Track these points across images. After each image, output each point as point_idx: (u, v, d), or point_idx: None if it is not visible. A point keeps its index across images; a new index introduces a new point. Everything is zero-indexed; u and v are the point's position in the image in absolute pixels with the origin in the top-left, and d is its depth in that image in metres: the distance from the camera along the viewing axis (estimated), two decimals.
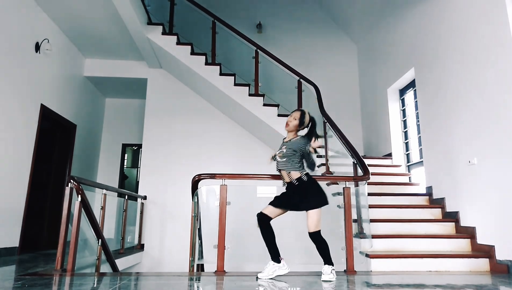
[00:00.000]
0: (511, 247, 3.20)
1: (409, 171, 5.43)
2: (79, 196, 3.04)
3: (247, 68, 5.86)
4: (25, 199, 4.60)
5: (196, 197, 3.49)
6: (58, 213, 4.76)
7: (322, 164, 5.01)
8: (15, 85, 4.40)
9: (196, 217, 3.50)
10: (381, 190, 4.62)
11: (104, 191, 3.95)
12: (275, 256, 2.80)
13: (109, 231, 4.75)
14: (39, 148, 4.97)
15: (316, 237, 2.74)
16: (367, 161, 3.82)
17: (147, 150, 6.19)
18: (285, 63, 5.74)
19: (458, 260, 3.36)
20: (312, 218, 2.74)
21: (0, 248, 4.10)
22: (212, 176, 3.32)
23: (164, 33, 5.64)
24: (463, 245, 3.69)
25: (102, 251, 3.48)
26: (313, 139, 2.82)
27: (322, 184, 4.42)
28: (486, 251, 3.43)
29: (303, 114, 2.95)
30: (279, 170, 2.93)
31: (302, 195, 2.80)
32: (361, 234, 3.57)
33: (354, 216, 3.47)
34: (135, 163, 8.64)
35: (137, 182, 6.93)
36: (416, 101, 5.19)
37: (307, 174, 2.86)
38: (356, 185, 3.61)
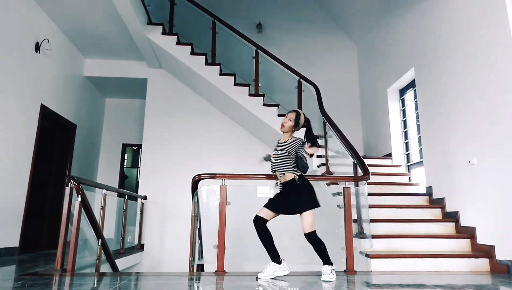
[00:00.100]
0: (511, 247, 3.20)
1: (409, 171, 5.43)
2: (79, 196, 3.04)
3: (247, 68, 5.86)
4: (25, 199, 4.60)
5: (196, 197, 3.50)
6: (58, 213, 4.75)
7: (322, 164, 5.01)
8: (15, 85, 4.40)
9: (196, 217, 3.50)
10: (381, 190, 4.62)
11: (104, 191, 3.95)
12: (275, 257, 2.80)
13: (109, 231, 4.75)
14: (39, 148, 4.97)
15: (312, 237, 2.75)
16: (367, 161, 3.82)
17: (147, 150, 6.19)
18: (285, 63, 5.74)
19: (458, 260, 3.36)
20: (306, 220, 2.75)
21: (0, 248, 4.10)
22: (212, 176, 3.32)
23: (164, 33, 5.64)
24: (463, 245, 3.69)
25: (102, 251, 3.48)
26: (308, 144, 2.82)
27: (322, 184, 4.45)
28: (486, 251, 3.43)
29: (298, 115, 2.96)
30: (274, 171, 2.94)
31: (296, 196, 2.80)
32: (361, 234, 3.57)
33: (354, 216, 3.47)
34: (135, 163, 8.64)
35: (137, 182, 6.93)
36: (416, 101, 5.19)
37: (301, 175, 2.86)
38: (356, 185, 3.61)
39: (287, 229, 3.22)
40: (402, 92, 5.81)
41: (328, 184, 4.34)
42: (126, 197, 5.17)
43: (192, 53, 5.72)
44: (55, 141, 5.83)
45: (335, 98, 6.73)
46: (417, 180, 5.08)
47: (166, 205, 6.00)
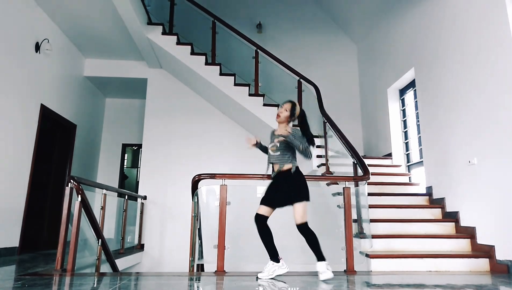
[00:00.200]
0: (511, 247, 3.20)
1: (409, 171, 5.43)
2: (79, 196, 3.04)
3: (247, 68, 5.86)
4: (25, 199, 4.60)
5: (196, 197, 3.49)
6: (58, 213, 4.75)
7: (322, 164, 5.01)
8: (15, 85, 4.40)
9: (196, 217, 3.50)
10: (381, 190, 4.62)
11: (104, 191, 3.95)
12: (274, 256, 2.80)
13: (109, 231, 4.75)
14: (39, 148, 4.97)
15: (304, 228, 2.76)
16: (367, 161, 3.82)
17: (147, 150, 6.19)
18: (285, 63, 5.74)
19: (458, 260, 3.36)
20: (299, 210, 2.76)
21: (0, 248, 4.10)
22: (212, 176, 3.32)
23: (164, 33, 5.64)
24: (463, 245, 3.69)
25: (102, 251, 3.48)
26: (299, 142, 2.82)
27: (322, 184, 4.45)
28: (486, 251, 3.43)
29: (294, 105, 2.97)
30: (271, 163, 2.95)
31: (290, 187, 2.81)
32: (361, 234, 3.57)
33: (354, 216, 3.47)
34: (135, 163, 8.64)
35: (137, 182, 6.93)
36: (416, 101, 5.19)
37: (297, 167, 2.89)
38: (356, 185, 3.61)
39: (286, 228, 3.22)
40: (402, 92, 5.81)
41: (328, 184, 4.34)
42: (126, 197, 5.17)
43: (192, 53, 5.72)
44: (55, 141, 5.83)
45: (335, 98, 6.73)
46: (417, 180, 5.08)
47: (166, 205, 6.00)
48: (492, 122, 3.49)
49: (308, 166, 5.37)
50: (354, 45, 7.52)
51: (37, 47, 4.80)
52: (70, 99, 5.86)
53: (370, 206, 3.74)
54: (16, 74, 4.41)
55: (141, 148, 6.58)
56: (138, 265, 5.62)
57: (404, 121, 5.74)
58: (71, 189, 3.08)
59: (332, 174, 4.67)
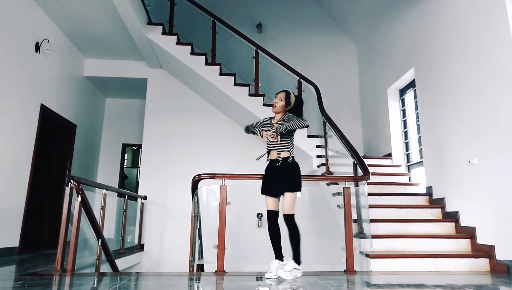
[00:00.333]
0: (511, 247, 3.20)
1: (409, 171, 5.43)
2: (79, 196, 3.04)
3: (247, 68, 5.86)
4: (25, 199, 4.60)
5: (196, 197, 3.50)
6: (58, 213, 4.75)
7: (322, 164, 5.02)
8: (15, 85, 4.40)
9: (196, 217, 3.50)
10: (381, 190, 4.62)
11: (104, 191, 3.95)
12: (279, 255, 2.82)
13: (109, 231, 4.75)
14: (39, 148, 4.97)
15: (290, 220, 2.80)
16: (367, 161, 3.82)
17: (147, 150, 6.19)
18: (285, 63, 5.74)
19: (458, 260, 3.36)
20: (288, 200, 2.81)
21: (0, 248, 4.10)
22: (212, 176, 3.32)
23: (164, 33, 5.64)
24: (463, 245, 3.69)
25: (102, 251, 3.47)
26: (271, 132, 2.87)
27: (322, 184, 4.45)
28: (486, 251, 3.43)
29: (288, 94, 3.04)
30: (269, 150, 2.98)
31: (286, 176, 2.84)
32: (361, 234, 3.57)
33: (354, 216, 3.47)
34: (135, 163, 8.63)
35: (137, 182, 6.93)
36: (416, 101, 5.19)
37: (293, 157, 2.93)
38: (356, 185, 3.61)
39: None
40: (402, 92, 5.81)
41: (328, 184, 4.35)
42: (126, 197, 5.17)
43: (192, 53, 5.72)
44: (55, 141, 5.83)
45: (335, 98, 6.73)
46: (417, 180, 5.08)
47: (166, 205, 6.00)
48: (492, 122, 3.49)
49: (308, 166, 5.38)
50: (354, 45, 7.52)
51: (37, 47, 4.80)
52: (70, 99, 5.86)
53: (370, 206, 3.74)
54: (16, 74, 4.41)
55: (141, 148, 6.58)
56: (138, 265, 5.62)
57: (404, 121, 5.74)
58: (71, 189, 3.08)
59: (332, 174, 4.67)
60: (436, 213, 4.25)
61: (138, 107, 7.28)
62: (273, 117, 3.12)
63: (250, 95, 5.62)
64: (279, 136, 2.87)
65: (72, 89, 5.90)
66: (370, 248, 3.51)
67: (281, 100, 3.02)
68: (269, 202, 2.92)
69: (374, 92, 6.51)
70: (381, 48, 6.34)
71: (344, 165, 4.28)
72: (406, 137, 5.66)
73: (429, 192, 4.55)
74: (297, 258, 2.76)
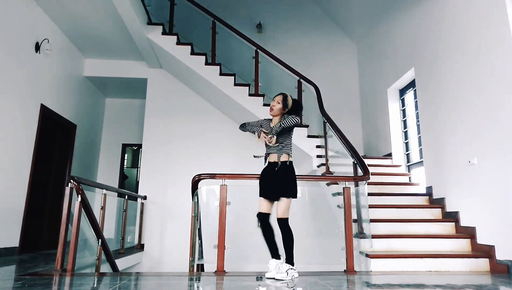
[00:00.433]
0: (511, 247, 3.20)
1: (409, 171, 5.43)
2: (79, 196, 3.04)
3: (247, 68, 5.86)
4: (25, 199, 4.60)
5: (196, 197, 3.50)
6: (58, 213, 4.75)
7: (322, 164, 5.01)
8: (15, 85, 4.40)
9: (196, 217, 3.50)
10: (381, 190, 4.62)
11: (104, 191, 3.95)
12: (275, 254, 2.82)
13: (109, 231, 4.75)
14: (39, 148, 4.97)
15: (284, 223, 2.80)
16: (367, 161, 3.82)
17: (147, 150, 6.19)
18: (285, 63, 5.74)
19: (458, 260, 3.36)
20: (282, 205, 2.81)
21: (0, 248, 4.10)
22: (212, 176, 3.32)
23: (164, 33, 5.64)
24: (463, 245, 3.69)
25: (102, 251, 3.48)
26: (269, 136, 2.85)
27: (322, 184, 4.45)
28: (486, 251, 3.43)
29: (285, 97, 3.03)
30: (268, 153, 2.97)
31: (282, 181, 2.84)
32: (361, 234, 3.57)
33: (354, 216, 3.47)
34: (135, 163, 8.64)
35: (137, 182, 6.93)
36: (416, 101, 5.19)
37: (291, 162, 2.92)
38: (356, 185, 3.60)
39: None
40: (402, 92, 5.81)
41: (328, 184, 4.35)
42: (126, 197, 5.17)
43: (192, 53, 5.72)
44: (55, 141, 5.83)
45: (335, 98, 6.73)
46: (417, 180, 5.08)
47: (166, 205, 6.00)
48: (492, 122, 3.49)
49: (308, 166, 5.38)
50: (354, 45, 7.52)
51: (37, 47, 4.80)
52: (70, 99, 5.86)
53: (370, 206, 3.74)
54: (16, 74, 4.41)
55: (141, 148, 6.58)
56: (138, 265, 5.62)
57: (404, 121, 5.74)
58: (71, 189, 3.08)
59: (332, 174, 4.67)
60: (436, 213, 4.25)
61: (138, 107, 7.28)
62: (271, 120, 3.10)
63: (250, 95, 5.62)
64: (275, 137, 2.86)
65: (72, 89, 5.90)
66: (370, 248, 3.51)
67: (279, 103, 3.01)
68: (263, 205, 2.91)
69: (374, 92, 6.51)
70: (381, 48, 6.34)
71: (344, 165, 4.28)
72: (406, 137, 5.66)
73: (429, 192, 4.55)
74: (290, 260, 2.76)
